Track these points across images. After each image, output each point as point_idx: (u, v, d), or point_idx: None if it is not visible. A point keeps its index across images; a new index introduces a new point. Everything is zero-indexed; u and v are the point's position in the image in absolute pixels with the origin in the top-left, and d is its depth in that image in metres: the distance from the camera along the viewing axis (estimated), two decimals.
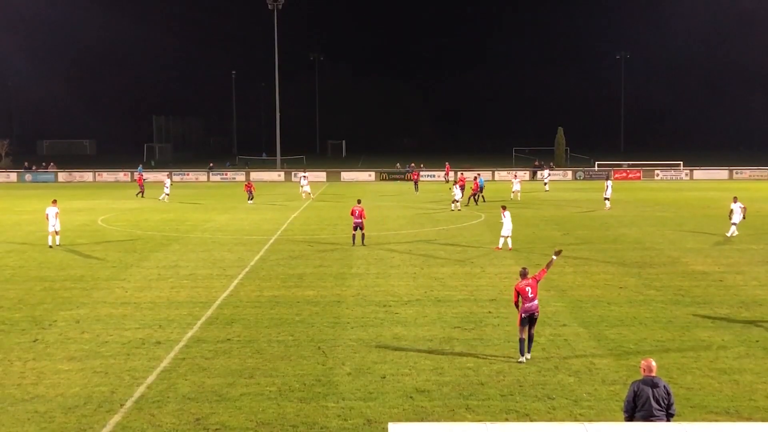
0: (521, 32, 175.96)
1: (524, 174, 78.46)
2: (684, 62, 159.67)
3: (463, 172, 62.86)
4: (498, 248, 30.90)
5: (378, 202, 53.64)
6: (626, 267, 27.18)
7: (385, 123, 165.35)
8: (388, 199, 56.60)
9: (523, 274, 16.59)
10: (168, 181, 55.26)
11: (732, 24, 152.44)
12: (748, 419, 13.20)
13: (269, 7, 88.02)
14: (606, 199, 46.29)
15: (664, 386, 10.74)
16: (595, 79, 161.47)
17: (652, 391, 10.62)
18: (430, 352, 17.24)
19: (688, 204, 50.10)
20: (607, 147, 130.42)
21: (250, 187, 52.55)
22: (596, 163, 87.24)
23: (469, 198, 49.28)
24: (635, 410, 10.66)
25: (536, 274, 16.86)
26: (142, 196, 56.66)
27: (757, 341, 17.83)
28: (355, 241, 31.93)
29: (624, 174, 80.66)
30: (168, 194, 53.86)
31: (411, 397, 14.50)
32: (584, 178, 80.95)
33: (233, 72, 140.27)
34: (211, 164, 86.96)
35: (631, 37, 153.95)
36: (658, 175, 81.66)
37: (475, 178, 51.68)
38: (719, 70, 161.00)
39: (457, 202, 46.26)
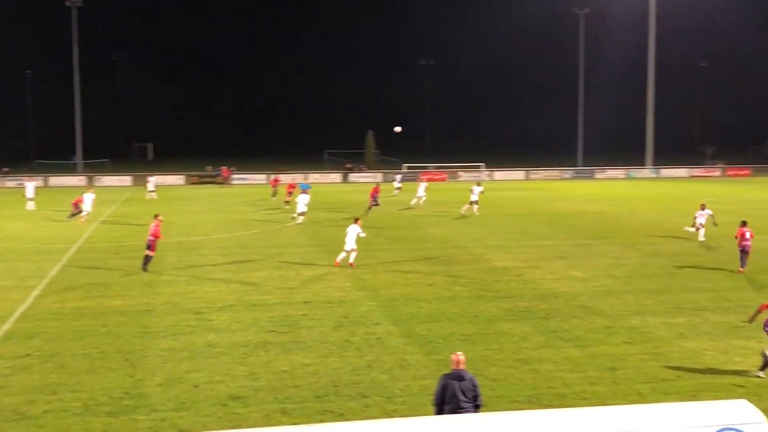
0: (331, 35, 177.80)
1: (413, 180, 79.15)
2: (485, 68, 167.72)
3: (294, 178, 63.02)
4: (337, 263, 27.60)
5: (189, 206, 52.47)
6: (435, 265, 28.13)
7: (194, 125, 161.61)
8: (200, 203, 55.46)
9: None
10: (91, 197, 43.77)
11: (529, 34, 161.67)
12: (548, 406, 13.99)
13: (66, 3, 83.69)
14: (474, 202, 44.89)
15: (470, 379, 11.20)
16: (403, 84, 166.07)
17: (459, 384, 11.05)
18: (244, 357, 17.04)
19: (490, 203, 52.47)
20: (414, 149, 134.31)
21: (79, 203, 42.99)
22: (405, 165, 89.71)
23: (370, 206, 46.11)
24: (444, 403, 11.05)
25: None
26: None
27: (555, 332, 18.98)
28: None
29: (430, 175, 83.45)
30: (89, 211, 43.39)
31: (225, 405, 14.28)
32: (390, 181, 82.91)
33: (28, 71, 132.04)
34: (6, 169, 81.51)
35: (436, 43, 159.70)
36: (461, 176, 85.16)
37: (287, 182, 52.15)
38: (518, 76, 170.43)
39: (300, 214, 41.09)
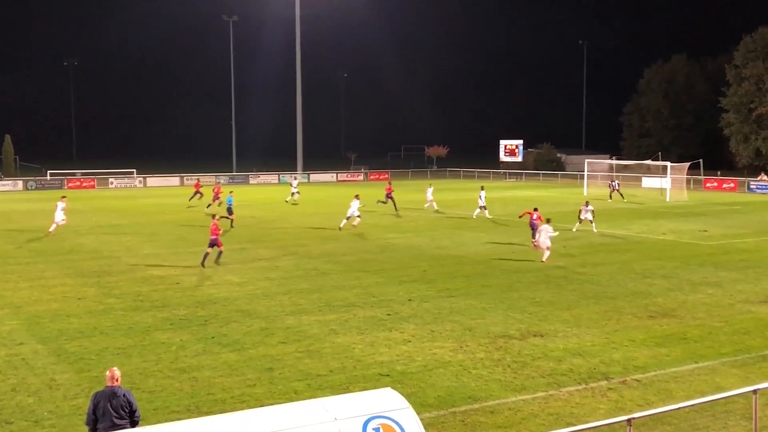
0: None
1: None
2: (136, 71, 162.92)
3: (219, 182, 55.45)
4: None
5: None
6: (85, 277, 26.71)
7: None
8: None
9: None
10: (61, 206, 37.96)
11: (182, 39, 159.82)
12: (208, 413, 13.94)
13: None
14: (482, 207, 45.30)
15: (124, 394, 10.79)
16: (45, 86, 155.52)
17: (112, 402, 10.62)
18: None
19: (144, 211, 51.17)
20: (60, 155, 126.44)
21: None
22: (48, 172, 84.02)
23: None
24: (97, 422, 10.57)
25: None
26: None
27: (213, 337, 18.97)
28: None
29: (78, 183, 79.12)
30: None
31: None
32: (36, 188, 77.34)
33: None
34: None
35: (82, 43, 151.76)
36: (112, 183, 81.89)
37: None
38: (173, 81, 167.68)
39: None
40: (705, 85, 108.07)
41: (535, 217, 33.70)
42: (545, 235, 29.78)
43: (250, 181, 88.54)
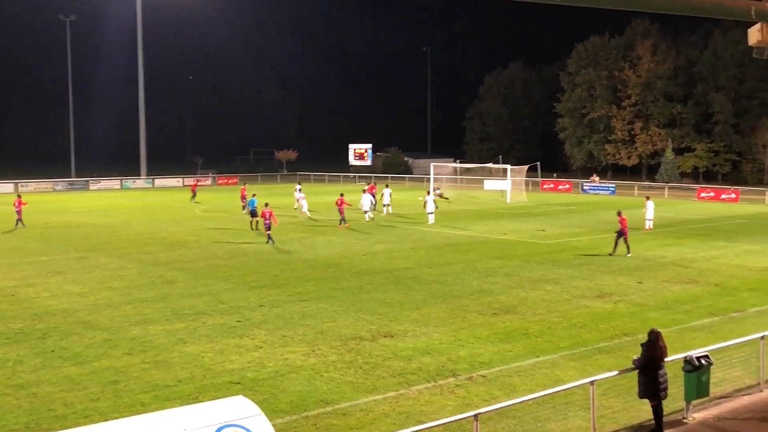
0: None
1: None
2: None
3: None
4: None
5: None
6: None
7: None
8: None
9: None
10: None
11: (13, 38, 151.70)
12: (48, 430, 13.35)
13: None
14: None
15: None
16: None
17: None
18: None
19: None
20: None
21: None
22: None
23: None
24: None
25: None
26: None
27: (53, 351, 18.12)
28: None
29: None
30: None
31: None
32: None
33: None
34: None
35: None
36: None
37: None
38: (3, 84, 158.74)
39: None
40: (541, 91, 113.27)
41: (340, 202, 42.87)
42: (651, 210, 40.09)
43: (91, 187, 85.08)
